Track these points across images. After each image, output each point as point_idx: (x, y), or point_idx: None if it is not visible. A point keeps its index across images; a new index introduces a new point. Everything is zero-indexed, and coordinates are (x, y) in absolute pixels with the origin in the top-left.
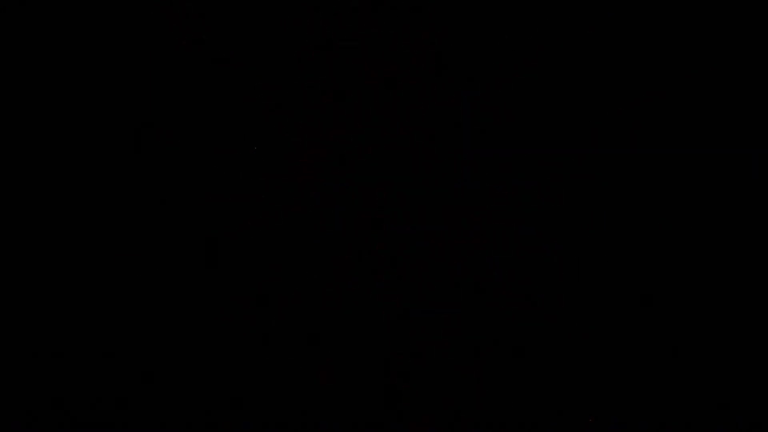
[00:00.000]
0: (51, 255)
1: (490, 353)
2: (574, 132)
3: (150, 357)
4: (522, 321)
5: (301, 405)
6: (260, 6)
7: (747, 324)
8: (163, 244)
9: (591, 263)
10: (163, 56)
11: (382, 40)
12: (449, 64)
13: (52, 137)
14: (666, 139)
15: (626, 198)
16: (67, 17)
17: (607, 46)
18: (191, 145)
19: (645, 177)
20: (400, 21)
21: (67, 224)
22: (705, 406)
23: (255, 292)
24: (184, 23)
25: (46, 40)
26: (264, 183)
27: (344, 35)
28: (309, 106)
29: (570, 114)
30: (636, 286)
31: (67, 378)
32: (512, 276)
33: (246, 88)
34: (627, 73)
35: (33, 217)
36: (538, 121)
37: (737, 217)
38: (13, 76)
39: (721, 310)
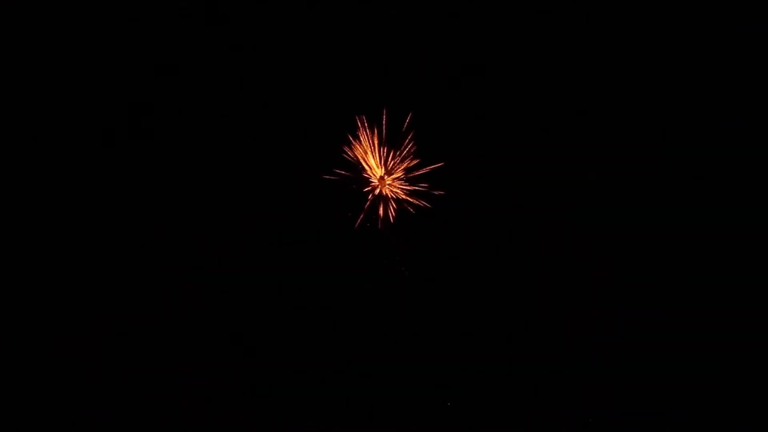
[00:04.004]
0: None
1: (490, 353)
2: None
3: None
4: (522, 322)
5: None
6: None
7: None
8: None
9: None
10: None
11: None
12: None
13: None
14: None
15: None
16: (65, 17)
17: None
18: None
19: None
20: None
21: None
22: (703, 406)
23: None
24: None
25: (45, 40)
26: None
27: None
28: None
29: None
30: (635, 287)
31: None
32: (511, 277)
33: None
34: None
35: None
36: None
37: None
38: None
39: (720, 312)
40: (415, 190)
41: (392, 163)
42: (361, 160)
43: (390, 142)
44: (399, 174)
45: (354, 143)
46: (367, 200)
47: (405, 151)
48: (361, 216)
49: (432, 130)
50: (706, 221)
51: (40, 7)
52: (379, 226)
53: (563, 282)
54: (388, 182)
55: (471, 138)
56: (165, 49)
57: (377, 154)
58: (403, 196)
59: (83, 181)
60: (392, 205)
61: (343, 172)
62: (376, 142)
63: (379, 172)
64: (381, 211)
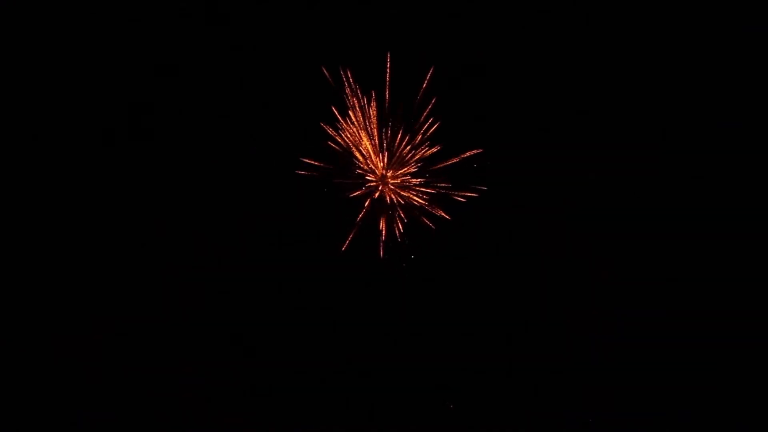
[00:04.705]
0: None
1: (490, 353)
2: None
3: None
4: (521, 323)
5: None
6: None
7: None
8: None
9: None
10: None
11: None
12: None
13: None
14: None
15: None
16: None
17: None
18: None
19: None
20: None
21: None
22: (703, 406)
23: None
24: None
25: (45, 40)
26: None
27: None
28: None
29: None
30: (636, 287)
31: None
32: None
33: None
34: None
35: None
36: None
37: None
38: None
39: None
40: (433, 193)
41: (399, 152)
42: (353, 148)
43: (395, 119)
44: (410, 169)
45: (343, 123)
46: (363, 208)
47: (420, 135)
48: (351, 235)
49: (431, 130)
50: (706, 221)
51: (40, 7)
52: (381, 253)
53: (563, 282)
54: (391, 182)
55: (471, 138)
56: (165, 49)
57: (376, 138)
58: (417, 200)
59: (83, 181)
60: (399, 216)
61: (326, 165)
62: (374, 117)
63: (380, 165)
64: (383, 226)
